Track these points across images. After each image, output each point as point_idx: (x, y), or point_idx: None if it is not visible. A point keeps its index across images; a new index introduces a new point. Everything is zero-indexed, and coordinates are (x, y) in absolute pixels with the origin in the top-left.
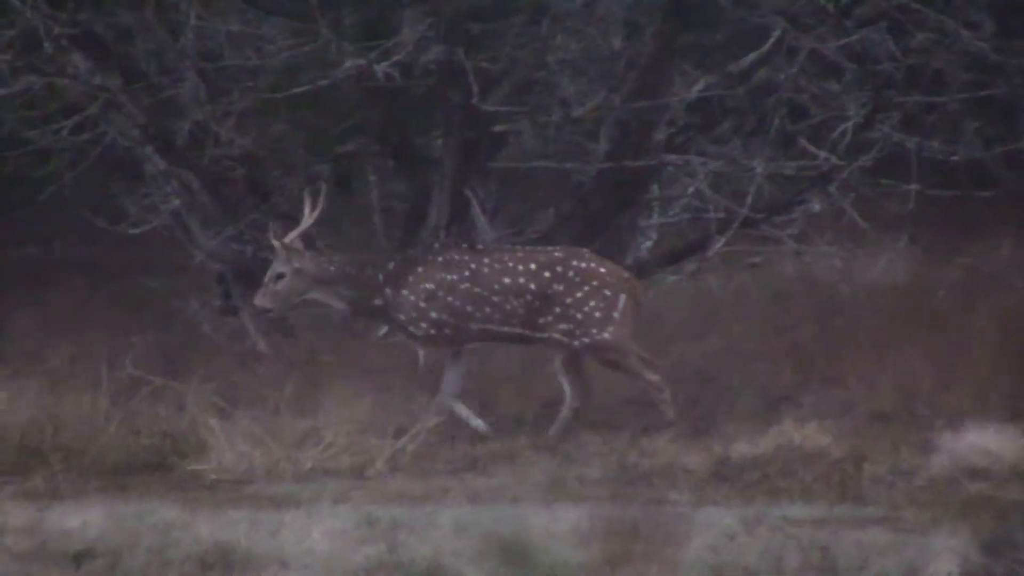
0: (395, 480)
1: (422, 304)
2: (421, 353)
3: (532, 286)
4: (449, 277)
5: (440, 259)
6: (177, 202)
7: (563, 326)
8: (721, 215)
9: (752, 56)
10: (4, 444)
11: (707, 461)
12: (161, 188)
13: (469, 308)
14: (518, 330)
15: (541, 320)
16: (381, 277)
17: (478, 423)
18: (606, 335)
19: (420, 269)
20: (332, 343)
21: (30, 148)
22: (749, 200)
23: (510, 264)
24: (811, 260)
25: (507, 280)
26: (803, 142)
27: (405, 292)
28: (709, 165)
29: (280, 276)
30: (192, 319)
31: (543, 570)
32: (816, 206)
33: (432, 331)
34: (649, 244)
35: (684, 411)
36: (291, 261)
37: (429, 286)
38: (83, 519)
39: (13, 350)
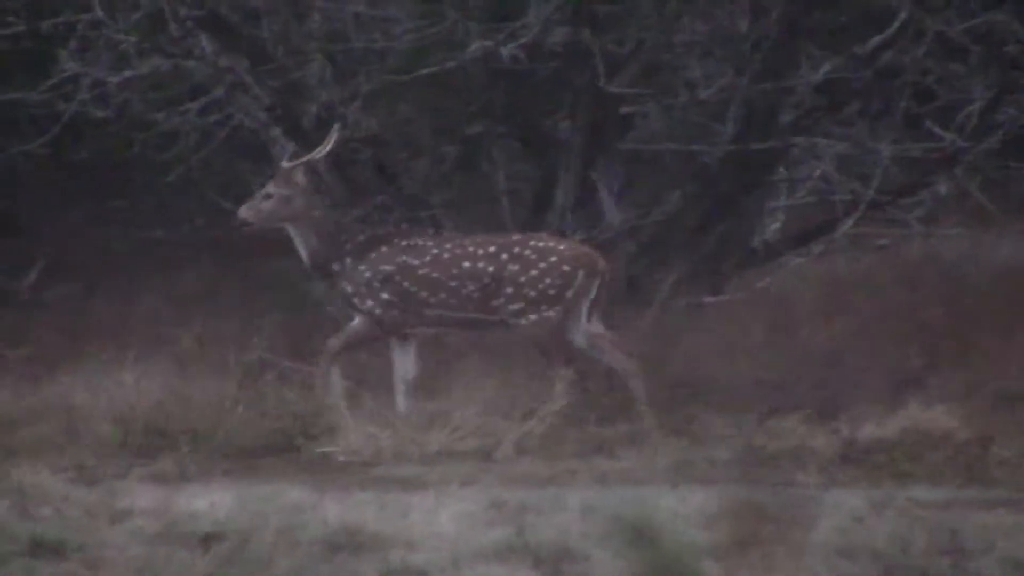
0: (522, 462)
1: (376, 283)
2: (352, 324)
3: (490, 268)
4: (409, 261)
5: (404, 243)
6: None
7: (514, 305)
8: (847, 197)
9: (878, 38)
10: (133, 426)
11: (834, 443)
12: None
13: (424, 293)
14: (471, 314)
15: (493, 302)
16: (348, 246)
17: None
18: (551, 313)
19: (384, 248)
20: None
21: (157, 130)
22: (875, 182)
23: (470, 248)
24: (938, 242)
25: (466, 264)
26: (929, 124)
27: (362, 267)
28: (835, 147)
29: (269, 196)
30: (320, 301)
31: (670, 553)
32: (942, 188)
33: (378, 311)
34: (776, 226)
35: (811, 393)
36: (285, 186)
37: (388, 268)
38: (211, 501)
39: (141, 332)
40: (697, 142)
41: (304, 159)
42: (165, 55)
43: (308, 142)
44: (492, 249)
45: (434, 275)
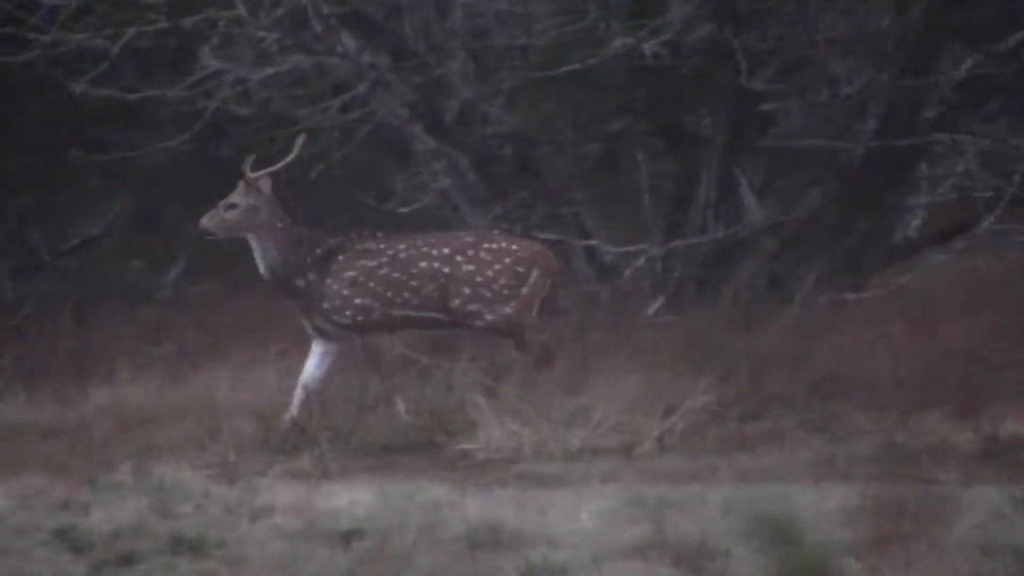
0: (663, 459)
1: (346, 291)
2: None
3: (446, 269)
4: (367, 264)
5: (358, 247)
6: (446, 181)
7: (471, 306)
8: (989, 193)
9: (1021, 34)
10: (274, 423)
11: (975, 440)
12: (430, 167)
13: (389, 294)
14: (434, 315)
15: (451, 302)
16: (308, 260)
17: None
18: (508, 309)
19: (340, 257)
20: (601, 321)
21: (299, 127)
22: (1017, 178)
23: (424, 249)
24: None
25: (422, 264)
26: None
27: (329, 280)
28: (977, 143)
29: (232, 206)
30: None
31: (811, 550)
32: None
33: (359, 317)
34: (917, 223)
35: (952, 390)
36: (248, 196)
37: (351, 273)
38: (352, 498)
39: (283, 329)
40: (839, 139)
41: (269, 170)
42: (307, 52)
43: (449, 139)
44: (446, 250)
45: (394, 276)
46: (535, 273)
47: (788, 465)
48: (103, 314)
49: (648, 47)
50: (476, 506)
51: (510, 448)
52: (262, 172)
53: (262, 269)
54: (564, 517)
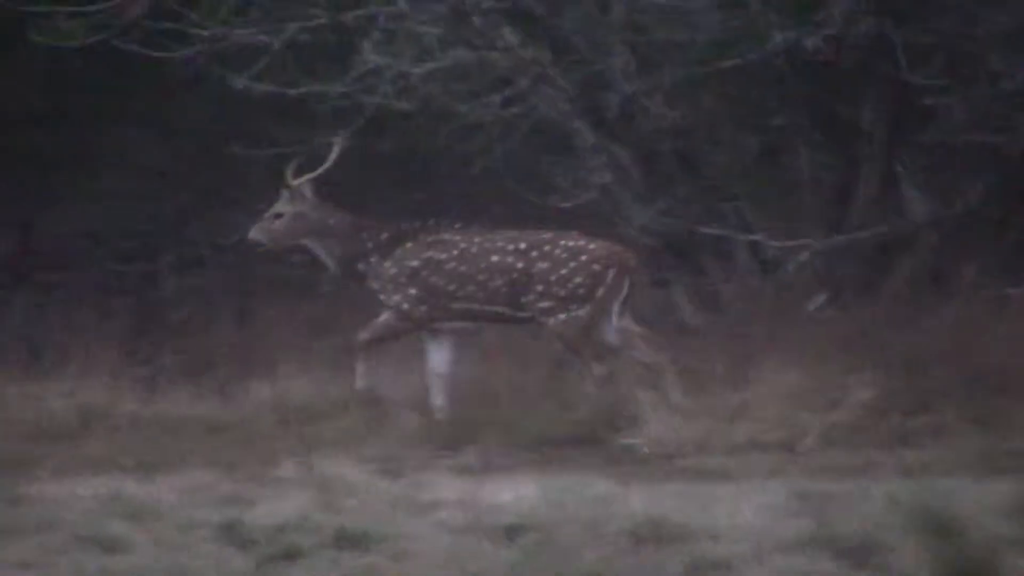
0: (826, 454)
1: (402, 279)
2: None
3: (519, 265)
4: (435, 256)
5: (430, 238)
6: (607, 176)
7: (543, 303)
8: None
9: None
10: (438, 417)
11: None
12: (591, 162)
13: (451, 287)
14: (500, 309)
15: (521, 298)
16: (371, 244)
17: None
18: (580, 312)
19: (409, 244)
20: (763, 316)
21: (460, 122)
22: None
23: (499, 244)
24: None
25: (494, 259)
26: None
27: (388, 264)
28: None
29: (279, 216)
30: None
31: (974, 545)
32: None
33: (405, 306)
34: None
35: None
36: (294, 204)
37: (413, 263)
38: (516, 493)
39: None
40: (1000, 133)
41: (311, 175)
42: (468, 47)
43: (611, 134)
44: (522, 246)
45: (461, 269)
46: (611, 273)
47: (951, 460)
48: (265, 309)
49: (809, 42)
50: (640, 501)
51: (674, 443)
52: (303, 178)
53: (331, 267)
54: (727, 511)
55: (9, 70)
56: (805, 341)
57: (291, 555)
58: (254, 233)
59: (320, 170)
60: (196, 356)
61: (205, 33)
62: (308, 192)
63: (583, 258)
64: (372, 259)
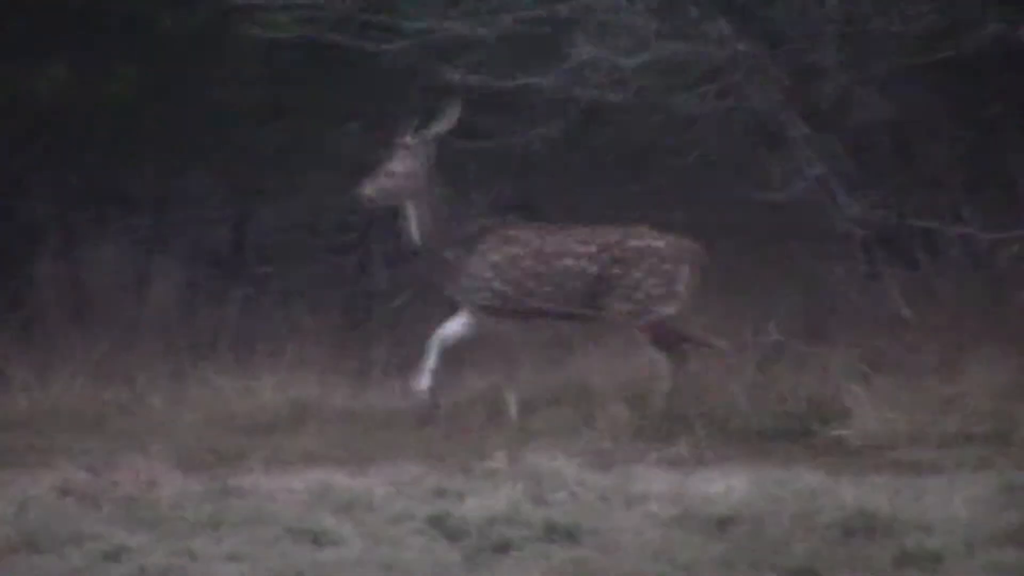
0: None
1: (488, 274)
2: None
3: (592, 268)
4: (514, 251)
5: (510, 232)
6: (820, 168)
7: (624, 307)
8: None
9: None
10: (649, 410)
11: None
12: (804, 153)
13: (530, 284)
14: (578, 311)
15: (600, 300)
16: (459, 234)
17: (424, 380)
18: (670, 310)
19: (489, 238)
20: (975, 307)
21: (674, 114)
22: None
23: (571, 245)
24: None
25: (568, 261)
26: None
27: (474, 259)
28: None
29: (392, 173)
30: (836, 284)
31: None
32: None
33: (496, 303)
34: None
35: None
36: (407, 162)
37: (496, 257)
38: (726, 485)
39: None
40: None
41: (430, 133)
42: (683, 39)
43: (824, 125)
44: (593, 249)
45: (539, 268)
46: (685, 270)
47: None
48: None
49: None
50: (850, 493)
51: (885, 435)
52: (420, 137)
53: (416, 237)
54: (938, 504)
55: (222, 64)
56: (1018, 333)
57: (500, 548)
58: (367, 189)
59: (435, 128)
60: (409, 349)
61: (418, 26)
62: (424, 152)
63: (653, 260)
64: (459, 251)
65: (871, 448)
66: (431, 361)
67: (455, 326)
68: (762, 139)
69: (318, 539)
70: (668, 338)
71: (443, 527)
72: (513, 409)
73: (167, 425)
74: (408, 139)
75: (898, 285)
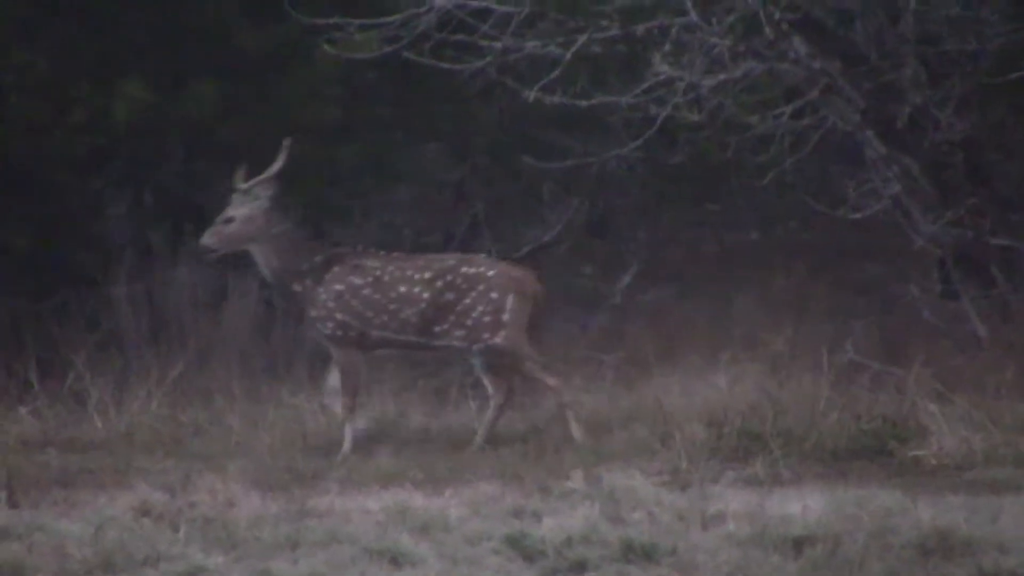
0: None
1: (331, 304)
2: (334, 353)
3: (425, 295)
4: (356, 281)
5: (355, 262)
6: (897, 187)
7: (458, 333)
8: None
9: None
10: (726, 429)
11: None
12: (881, 173)
13: (369, 314)
14: (414, 338)
15: (437, 328)
16: (306, 266)
17: (348, 436)
18: (497, 340)
19: (336, 269)
20: None
21: (751, 133)
22: None
23: (407, 272)
24: None
25: (403, 288)
26: None
27: (320, 289)
28: None
29: (230, 220)
30: (912, 304)
31: None
32: None
33: (339, 332)
34: None
35: None
36: (244, 207)
37: (339, 287)
38: (803, 505)
39: (735, 334)
40: None
41: (260, 178)
42: (759, 58)
43: (901, 144)
44: (428, 275)
45: (375, 297)
46: (510, 299)
47: None
48: (555, 320)
49: None
50: (927, 512)
51: (961, 454)
52: (253, 181)
53: (266, 276)
54: (1015, 523)
55: (303, 82)
56: None
57: (578, 568)
58: (205, 239)
59: (271, 171)
60: None
61: (496, 45)
62: (261, 195)
63: (481, 287)
64: (307, 282)
65: (948, 468)
66: (359, 423)
67: (333, 379)
68: (839, 158)
69: (395, 559)
70: (500, 366)
71: (520, 547)
72: (576, 430)
73: (244, 446)
74: (242, 185)
75: (974, 304)
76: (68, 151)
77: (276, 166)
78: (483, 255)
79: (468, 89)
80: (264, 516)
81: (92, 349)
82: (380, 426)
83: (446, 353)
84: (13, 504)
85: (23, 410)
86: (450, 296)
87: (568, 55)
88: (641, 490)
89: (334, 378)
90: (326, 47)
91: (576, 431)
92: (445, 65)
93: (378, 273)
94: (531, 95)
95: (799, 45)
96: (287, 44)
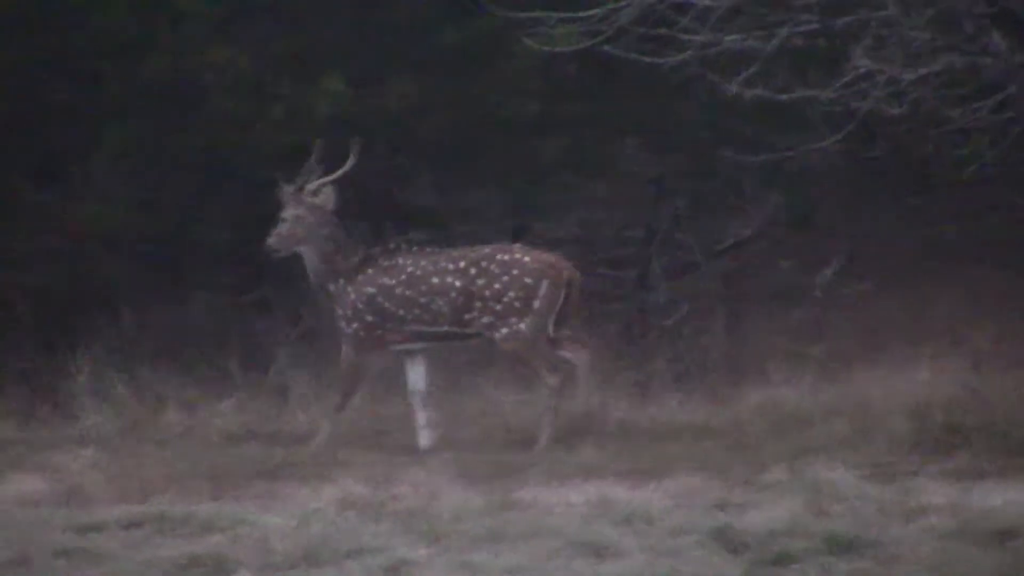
0: None
1: (360, 305)
2: (345, 352)
3: (457, 283)
4: (387, 281)
5: (387, 263)
6: None
7: (485, 319)
8: None
9: None
10: (928, 423)
11: None
12: None
13: (401, 312)
14: (447, 328)
15: (467, 316)
16: (343, 266)
17: (424, 434)
18: (522, 326)
19: (369, 271)
20: None
21: (951, 127)
22: None
23: (441, 264)
24: None
25: (435, 280)
26: None
27: (351, 289)
28: None
29: (283, 220)
30: None
31: None
32: None
33: (361, 333)
34: None
35: None
36: (295, 209)
37: (370, 290)
38: (1006, 498)
39: (936, 329)
40: None
41: (320, 181)
42: (958, 52)
43: None
44: (462, 264)
45: (407, 293)
46: (544, 285)
47: None
48: (756, 315)
49: None
50: None
51: None
52: (314, 184)
53: (309, 276)
54: None
55: (503, 77)
56: None
57: (781, 560)
58: (268, 241)
59: (329, 178)
60: (688, 362)
61: (696, 39)
62: (312, 199)
63: (515, 272)
64: (341, 282)
65: None
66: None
67: (412, 377)
68: None
69: (598, 552)
70: (522, 353)
71: (724, 539)
72: (544, 436)
73: (447, 438)
74: (291, 188)
75: None
76: (268, 147)
77: (345, 167)
78: (519, 244)
79: (668, 83)
80: (467, 509)
81: (294, 344)
82: (583, 419)
83: (475, 342)
84: (216, 497)
85: (226, 404)
86: (481, 282)
87: (768, 48)
88: (843, 483)
89: (415, 380)
90: (526, 41)
91: (543, 438)
92: (645, 59)
93: (411, 269)
94: (731, 89)
95: (998, 39)
96: (487, 39)
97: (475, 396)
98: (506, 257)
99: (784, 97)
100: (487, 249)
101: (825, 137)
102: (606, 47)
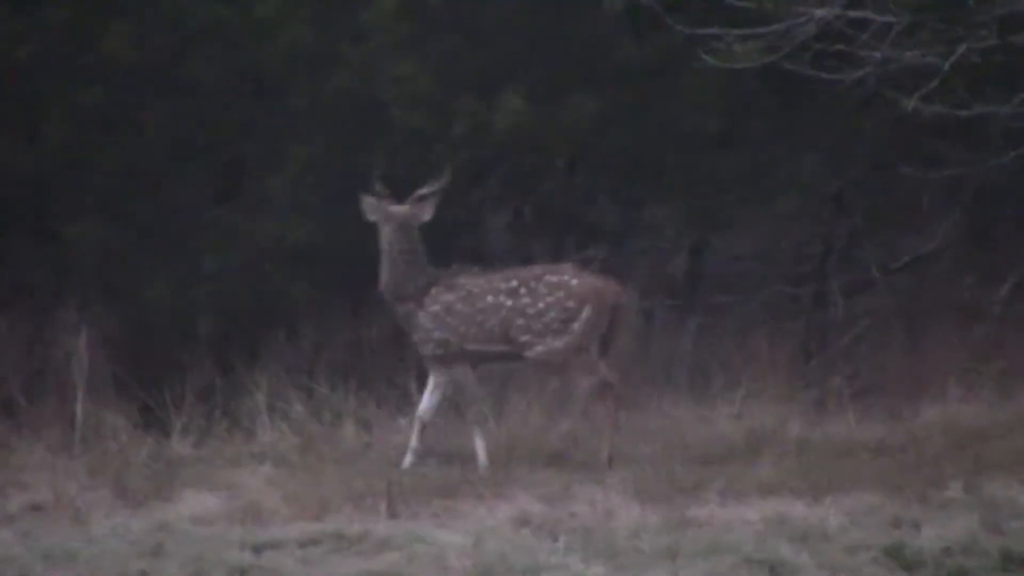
0: None
1: (428, 324)
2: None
3: (508, 303)
4: (449, 299)
5: (449, 282)
6: None
7: (524, 338)
8: None
9: None
10: None
11: None
12: None
13: (463, 329)
14: (501, 347)
15: (512, 333)
16: (412, 289)
17: (407, 460)
18: (558, 344)
19: (433, 291)
20: None
21: None
22: None
23: (495, 284)
24: None
25: (489, 299)
26: None
27: (421, 313)
28: None
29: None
30: None
31: None
32: None
33: (439, 351)
34: None
35: None
36: (376, 212)
37: (436, 308)
38: None
39: None
40: None
41: (420, 192)
42: None
43: None
44: (513, 283)
45: (466, 311)
46: (587, 309)
47: None
48: (935, 331)
49: None
50: None
51: None
52: (417, 191)
53: (381, 289)
54: None
55: (684, 93)
56: None
57: None
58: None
59: (425, 189)
60: (865, 378)
61: (875, 55)
62: (394, 209)
63: (560, 293)
64: (410, 306)
65: None
66: (414, 441)
67: (427, 400)
68: None
69: (775, 569)
70: (556, 371)
71: (899, 557)
72: None
73: (624, 456)
74: (369, 199)
75: None
76: (449, 163)
77: (441, 182)
78: (570, 264)
79: (847, 99)
80: (643, 526)
81: None
82: (759, 436)
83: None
84: (393, 514)
85: (403, 421)
86: (527, 300)
87: (947, 65)
88: (1021, 500)
89: (429, 399)
90: (706, 58)
91: (603, 454)
92: (825, 75)
93: (469, 288)
94: (910, 105)
95: None
96: (668, 55)
97: (654, 413)
98: (554, 279)
99: (963, 113)
100: (538, 269)
101: (1004, 153)
102: (786, 63)
